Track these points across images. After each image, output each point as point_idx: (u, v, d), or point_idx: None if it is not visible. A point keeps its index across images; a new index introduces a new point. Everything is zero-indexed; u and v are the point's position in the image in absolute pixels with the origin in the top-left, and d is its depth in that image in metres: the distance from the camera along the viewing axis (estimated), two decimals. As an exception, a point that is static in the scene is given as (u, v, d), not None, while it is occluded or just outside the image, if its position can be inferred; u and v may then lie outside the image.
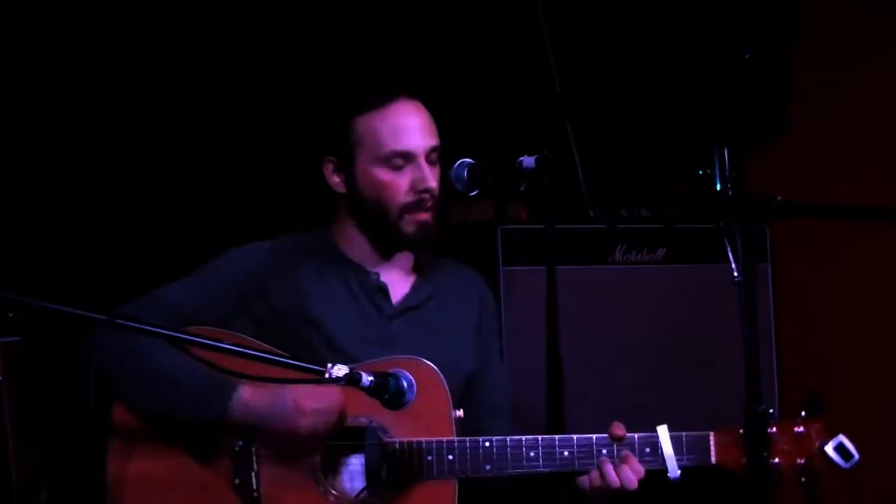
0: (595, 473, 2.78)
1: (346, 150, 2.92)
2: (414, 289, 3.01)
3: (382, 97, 2.90)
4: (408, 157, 2.88)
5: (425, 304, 3.00)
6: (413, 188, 2.88)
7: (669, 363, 3.78)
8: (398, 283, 3.00)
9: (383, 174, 2.89)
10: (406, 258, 3.03)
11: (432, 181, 2.89)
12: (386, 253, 2.99)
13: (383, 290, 2.97)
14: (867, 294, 4.09)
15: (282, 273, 2.92)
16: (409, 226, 2.90)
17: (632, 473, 2.77)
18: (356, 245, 2.99)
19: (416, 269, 3.04)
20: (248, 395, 2.73)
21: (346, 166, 2.93)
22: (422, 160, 2.89)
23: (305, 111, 3.72)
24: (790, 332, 3.99)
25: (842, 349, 4.12)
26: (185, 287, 2.90)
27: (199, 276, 2.92)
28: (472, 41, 4.17)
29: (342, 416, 2.72)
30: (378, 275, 2.97)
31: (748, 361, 2.48)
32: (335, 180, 2.96)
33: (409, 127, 2.89)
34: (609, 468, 2.77)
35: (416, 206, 2.89)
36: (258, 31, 3.98)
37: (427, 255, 3.07)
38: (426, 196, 2.89)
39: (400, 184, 2.88)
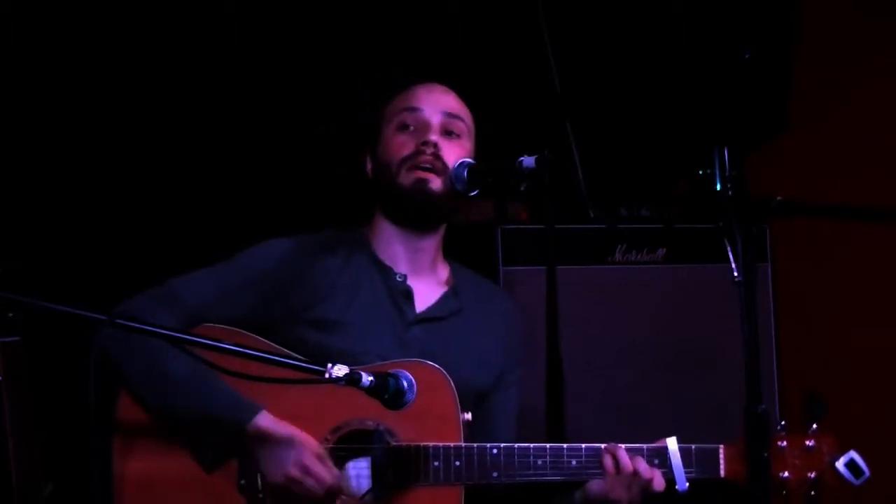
0: (608, 461, 2.77)
1: (375, 132, 3.01)
2: (442, 300, 3.00)
3: (408, 82, 3.03)
4: (417, 116, 2.94)
5: (450, 317, 2.99)
6: (415, 144, 2.93)
7: (669, 363, 3.78)
8: (426, 290, 2.99)
9: (393, 134, 2.96)
10: (439, 267, 3.04)
11: (432, 136, 2.92)
12: (406, 231, 2.97)
13: (407, 294, 2.96)
14: (867, 294, 4.09)
15: (305, 270, 2.91)
16: (406, 178, 2.92)
17: (644, 464, 2.76)
18: (383, 239, 2.99)
19: (450, 282, 3.04)
20: (264, 422, 2.74)
21: (374, 147, 3.00)
22: (432, 123, 2.94)
23: (325, 112, 3.75)
24: (790, 332, 3.99)
25: (842, 349, 4.12)
26: (204, 280, 2.89)
27: (223, 269, 2.91)
28: (472, 41, 4.17)
29: (332, 496, 2.75)
30: (405, 278, 2.97)
31: (748, 361, 2.48)
32: (369, 168, 3.03)
33: (425, 94, 2.98)
34: (622, 453, 2.77)
35: (413, 157, 2.91)
36: (265, 33, 3.99)
37: (464, 270, 3.09)
38: (424, 149, 2.91)
39: (405, 140, 2.94)
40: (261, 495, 2.77)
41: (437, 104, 2.97)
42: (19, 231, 3.65)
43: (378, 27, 4.09)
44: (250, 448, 2.75)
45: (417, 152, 2.91)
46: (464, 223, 3.80)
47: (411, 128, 2.95)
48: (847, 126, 4.11)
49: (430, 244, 3.01)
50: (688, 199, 4.01)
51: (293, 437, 2.73)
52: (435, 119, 2.95)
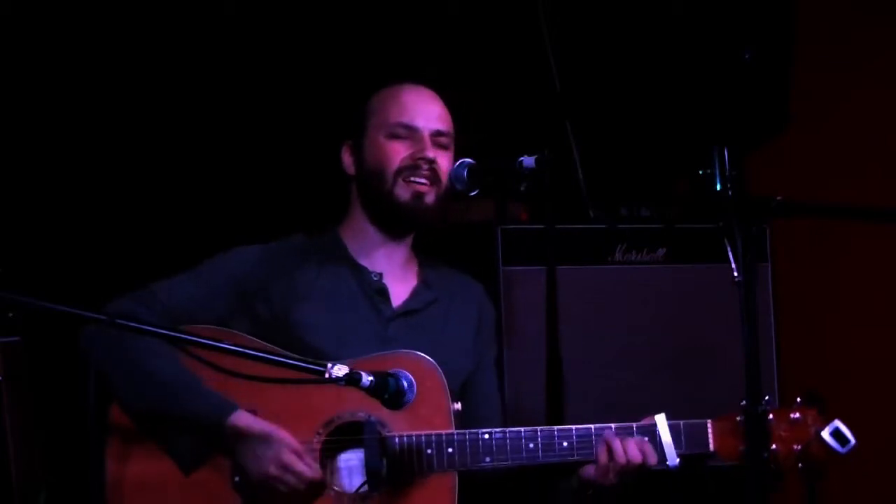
0: (602, 450, 2.80)
1: (360, 128, 3.01)
2: (415, 293, 3.03)
3: (398, 79, 3.03)
4: (411, 130, 2.96)
5: (425, 308, 3.02)
6: (411, 156, 2.94)
7: (669, 363, 3.78)
8: (400, 286, 3.02)
9: (386, 141, 2.97)
10: (410, 262, 3.06)
11: (429, 151, 2.94)
12: (388, 236, 3.00)
13: (383, 293, 2.99)
14: (867, 294, 4.09)
15: (282, 274, 2.94)
16: (403, 191, 2.94)
17: (637, 450, 2.78)
18: (362, 240, 3.01)
19: (420, 274, 3.07)
20: (242, 420, 2.75)
21: (358, 144, 3.01)
22: (425, 136, 2.95)
23: (321, 103, 3.74)
24: (790, 332, 3.98)
25: (842, 349, 4.12)
26: (184, 283, 2.91)
27: (199, 273, 2.94)
28: (472, 41, 4.17)
29: (315, 491, 2.75)
30: (381, 276, 2.99)
31: (748, 361, 2.48)
32: (348, 162, 3.03)
33: (417, 105, 2.99)
34: (616, 443, 2.79)
35: (410, 170, 2.94)
36: (264, 32, 3.99)
37: (431, 262, 3.11)
38: (422, 164, 2.93)
39: (399, 150, 2.96)
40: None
41: (429, 118, 2.98)
42: (19, 231, 3.65)
43: (379, 27, 4.08)
44: (230, 447, 2.76)
45: (415, 166, 2.94)
46: (464, 223, 3.81)
47: (404, 138, 2.96)
48: (847, 126, 4.11)
49: (408, 243, 3.05)
50: (688, 199, 4.01)
51: (270, 434, 2.73)
52: (428, 133, 2.97)
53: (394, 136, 2.97)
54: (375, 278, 2.99)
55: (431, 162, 2.93)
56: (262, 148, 4.01)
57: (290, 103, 4.01)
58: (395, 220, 2.99)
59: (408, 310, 3.00)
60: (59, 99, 3.79)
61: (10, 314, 2.34)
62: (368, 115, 3.02)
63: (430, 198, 2.95)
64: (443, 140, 2.98)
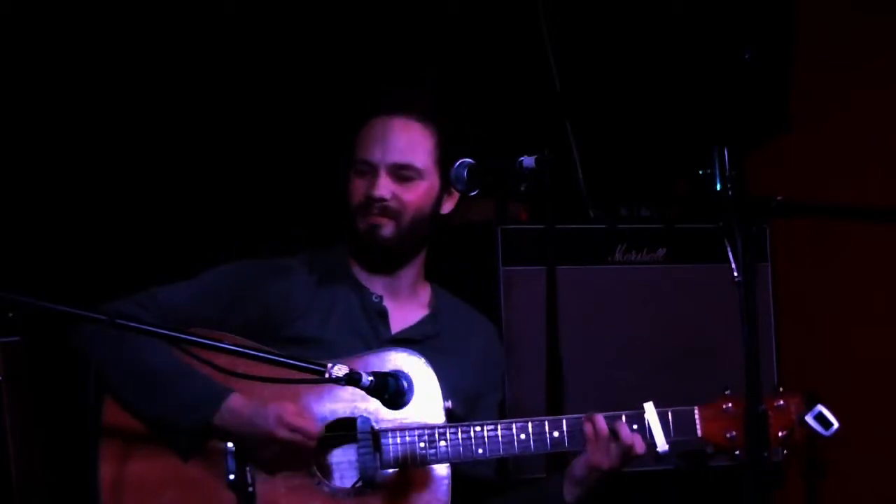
0: (587, 427, 2.81)
1: (347, 160, 3.03)
2: (420, 323, 3.04)
3: (372, 112, 3.02)
4: (369, 166, 2.97)
5: (423, 341, 3.01)
6: (364, 194, 2.96)
7: (669, 363, 3.78)
8: (404, 312, 3.03)
9: (352, 177, 3.00)
10: (419, 289, 3.08)
11: (377, 190, 2.94)
12: (369, 264, 3.02)
13: (382, 314, 3.00)
14: (867, 294, 4.09)
15: (281, 288, 2.96)
16: (361, 224, 2.97)
17: (627, 430, 2.81)
18: (358, 262, 3.04)
19: (432, 306, 3.07)
20: (236, 403, 2.77)
21: (345, 175, 3.03)
22: (381, 172, 2.95)
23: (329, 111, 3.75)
24: (790, 332, 3.99)
25: (842, 349, 4.12)
26: (184, 288, 2.94)
27: (200, 280, 2.97)
28: (472, 41, 4.17)
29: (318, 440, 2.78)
30: (381, 299, 3.01)
31: (748, 361, 2.49)
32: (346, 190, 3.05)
33: (376, 140, 2.98)
34: (599, 418, 2.81)
35: (362, 208, 2.96)
36: (270, 38, 4.00)
37: (450, 298, 3.12)
38: (372, 204, 2.94)
39: (358, 187, 2.98)
40: (250, 489, 2.77)
41: (387, 152, 2.96)
42: (19, 231, 3.65)
43: (378, 26, 4.08)
44: (230, 428, 2.77)
45: (366, 204, 2.95)
46: (464, 223, 3.81)
47: (364, 174, 2.98)
48: (847, 126, 4.12)
49: (408, 272, 3.05)
50: (688, 199, 4.01)
51: (266, 404, 2.76)
52: (385, 168, 2.96)
53: (357, 173, 2.99)
54: (376, 300, 3.01)
55: (380, 201, 2.93)
56: (274, 157, 4.01)
57: (301, 108, 4.02)
58: (361, 252, 3.02)
59: (406, 338, 3.00)
60: (59, 99, 3.79)
61: (10, 314, 2.34)
62: (352, 148, 3.03)
63: (386, 230, 2.95)
64: (406, 173, 2.96)
